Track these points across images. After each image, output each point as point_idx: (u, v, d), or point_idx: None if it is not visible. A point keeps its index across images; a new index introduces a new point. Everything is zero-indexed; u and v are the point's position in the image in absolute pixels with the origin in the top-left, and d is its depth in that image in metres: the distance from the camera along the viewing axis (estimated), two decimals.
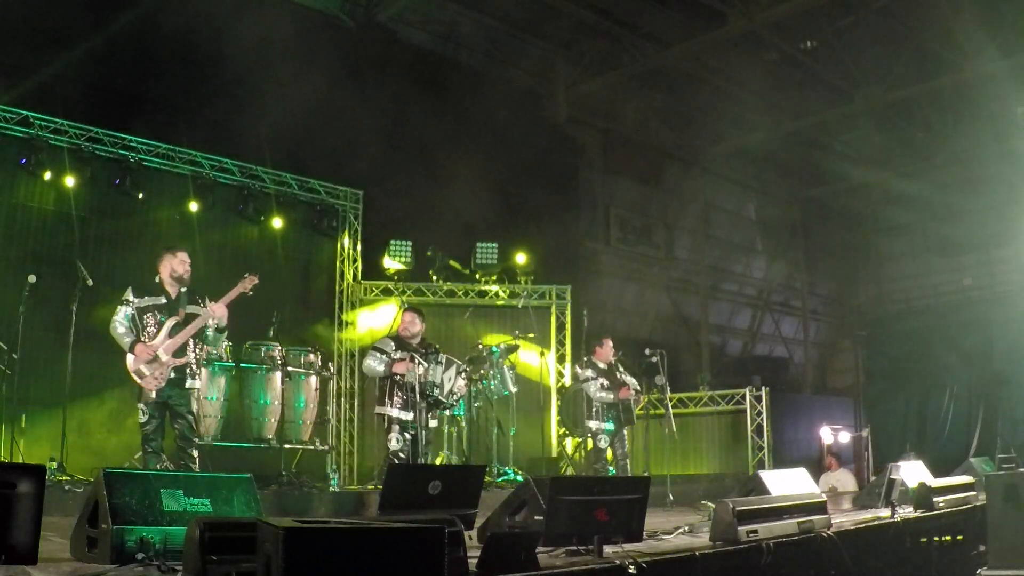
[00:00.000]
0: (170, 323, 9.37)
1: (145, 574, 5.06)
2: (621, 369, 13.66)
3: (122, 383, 13.45)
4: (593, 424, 13.42)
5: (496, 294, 17.78)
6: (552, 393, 17.64)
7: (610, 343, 13.84)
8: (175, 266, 9.60)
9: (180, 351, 9.36)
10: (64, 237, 13.58)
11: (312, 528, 4.04)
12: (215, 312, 9.56)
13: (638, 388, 13.62)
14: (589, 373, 13.40)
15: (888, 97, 22.15)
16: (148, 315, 9.37)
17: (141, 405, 9.22)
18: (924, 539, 9.57)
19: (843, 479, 17.14)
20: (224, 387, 13.09)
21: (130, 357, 9.21)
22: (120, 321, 9.29)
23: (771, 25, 19.44)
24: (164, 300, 9.48)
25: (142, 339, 9.26)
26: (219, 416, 13.00)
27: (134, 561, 5.23)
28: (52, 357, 12.56)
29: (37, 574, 4.76)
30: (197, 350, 9.74)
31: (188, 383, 9.52)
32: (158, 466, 9.18)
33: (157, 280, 9.58)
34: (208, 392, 12.74)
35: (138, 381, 9.20)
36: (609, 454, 13.50)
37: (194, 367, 9.68)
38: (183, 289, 9.64)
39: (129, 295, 9.39)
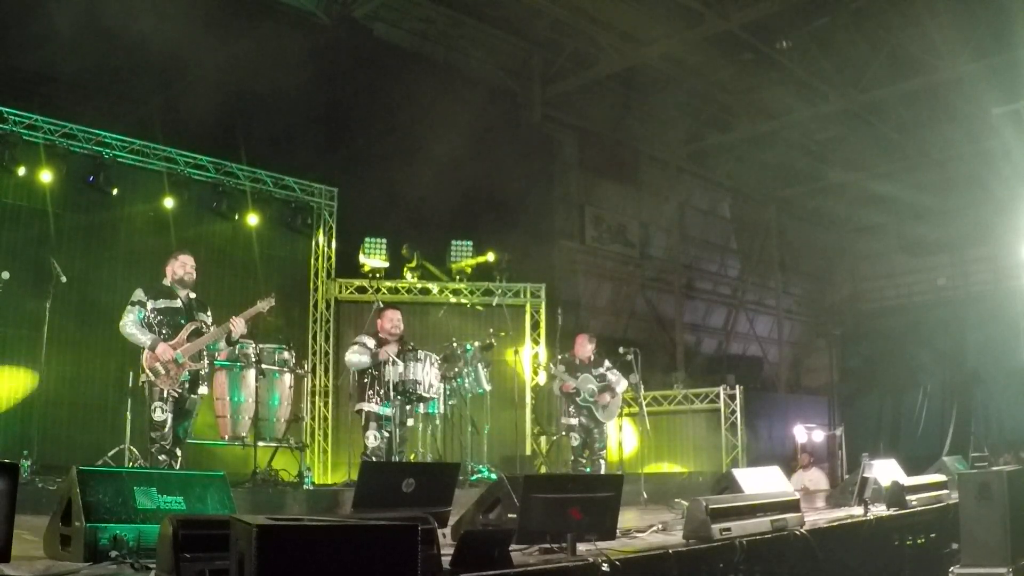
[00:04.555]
0: (189, 328, 9.53)
1: (118, 572, 5.04)
2: (606, 366, 13.61)
3: (96, 381, 13.49)
4: (564, 420, 13.46)
5: (471, 292, 17.79)
6: (526, 391, 17.67)
7: (580, 338, 13.80)
8: (175, 269, 9.76)
9: (196, 356, 9.50)
10: (38, 233, 13.50)
11: (285, 526, 4.03)
12: (235, 327, 9.66)
13: (612, 388, 13.47)
14: (560, 369, 13.39)
15: (863, 98, 22.26)
16: (162, 316, 9.50)
17: (159, 403, 9.30)
18: (897, 537, 9.62)
19: (815, 478, 17.18)
20: None
21: (148, 355, 9.30)
22: (132, 322, 9.43)
23: (747, 25, 19.50)
24: (179, 304, 9.64)
25: (163, 339, 9.38)
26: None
27: (107, 559, 5.22)
28: (25, 354, 12.52)
29: (10, 572, 4.74)
30: (205, 356, 9.82)
31: (201, 388, 9.70)
32: (165, 466, 9.20)
33: (167, 283, 9.68)
34: None
35: (152, 378, 9.28)
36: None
37: (205, 373, 9.79)
38: (193, 295, 9.81)
39: (141, 296, 9.55)
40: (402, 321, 11.60)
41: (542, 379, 17.86)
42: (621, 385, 13.47)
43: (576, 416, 13.23)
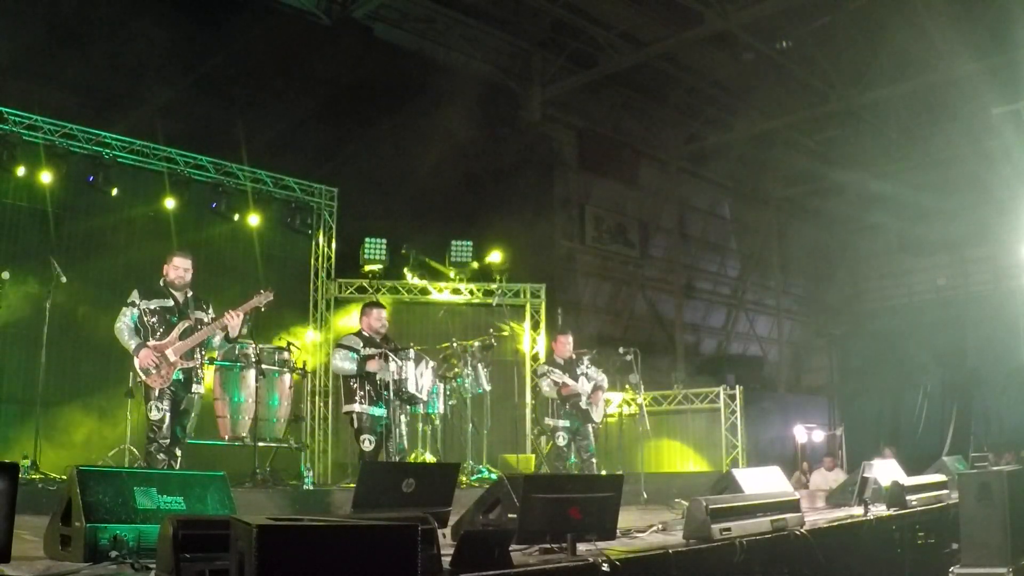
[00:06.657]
0: (182, 326, 9.54)
1: (118, 572, 5.03)
2: (586, 364, 13.52)
3: (96, 381, 13.48)
4: (551, 421, 13.36)
5: (471, 292, 17.78)
6: (526, 392, 17.66)
7: (563, 338, 13.73)
8: (169, 271, 9.73)
9: (188, 354, 9.50)
10: (38, 233, 13.50)
11: (285, 526, 4.02)
12: (229, 323, 9.65)
13: (602, 385, 13.42)
14: (544, 369, 13.33)
15: (863, 97, 22.26)
16: (156, 316, 9.52)
17: (154, 402, 9.34)
18: (897, 537, 9.62)
19: (839, 477, 17.10)
20: None
21: (135, 358, 9.32)
22: (125, 323, 9.47)
23: (747, 25, 19.51)
24: (171, 303, 9.64)
25: (149, 340, 9.39)
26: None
27: (107, 559, 5.20)
28: (25, 354, 12.51)
29: (10, 572, 4.73)
30: (201, 354, 9.80)
31: (195, 387, 9.69)
32: (164, 465, 9.21)
33: (162, 283, 9.67)
34: None
35: (144, 379, 9.32)
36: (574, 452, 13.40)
37: (200, 371, 9.80)
38: (190, 292, 9.83)
39: (135, 297, 9.57)
40: (384, 318, 11.54)
41: None
42: (605, 382, 13.44)
43: (567, 417, 13.12)
